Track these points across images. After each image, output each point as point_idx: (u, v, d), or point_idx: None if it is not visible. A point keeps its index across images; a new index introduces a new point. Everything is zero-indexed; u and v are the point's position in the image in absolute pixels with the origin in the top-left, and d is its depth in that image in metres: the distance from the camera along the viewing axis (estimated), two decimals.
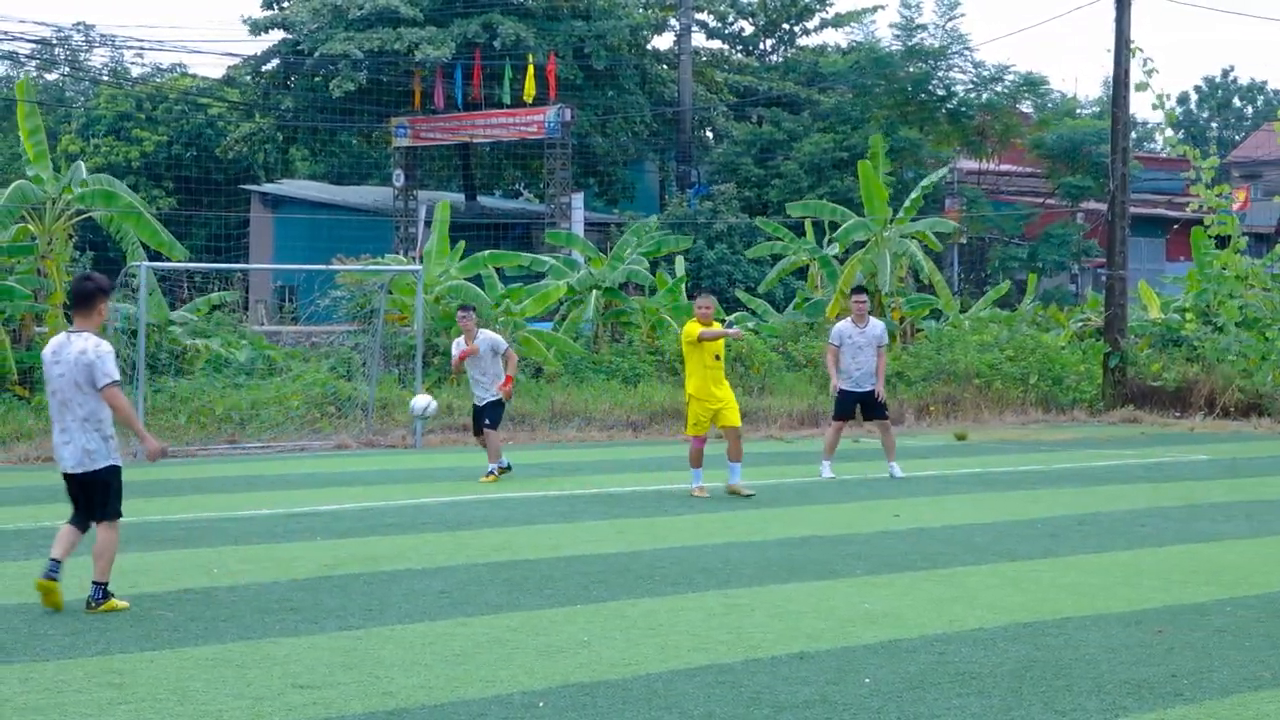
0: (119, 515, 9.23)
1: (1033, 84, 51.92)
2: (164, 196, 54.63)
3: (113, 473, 9.15)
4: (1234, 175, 66.15)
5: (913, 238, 32.14)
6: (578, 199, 45.44)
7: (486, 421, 16.69)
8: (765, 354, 28.26)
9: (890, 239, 31.55)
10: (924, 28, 50.33)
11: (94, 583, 9.07)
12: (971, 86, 51.11)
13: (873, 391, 16.97)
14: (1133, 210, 32.28)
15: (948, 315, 32.20)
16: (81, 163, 26.35)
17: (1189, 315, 29.15)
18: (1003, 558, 11.23)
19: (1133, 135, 69.29)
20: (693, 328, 14.87)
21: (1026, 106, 54.52)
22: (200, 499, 14.77)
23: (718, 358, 14.92)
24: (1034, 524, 13.11)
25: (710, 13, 56.40)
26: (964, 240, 49.91)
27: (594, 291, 30.24)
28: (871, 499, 14.93)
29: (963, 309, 35.43)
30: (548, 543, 11.89)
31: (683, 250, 35.02)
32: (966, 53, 50.80)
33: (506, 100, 45.35)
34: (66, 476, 9.21)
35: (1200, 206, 29.06)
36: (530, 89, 44.49)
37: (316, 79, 48.67)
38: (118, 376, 9.00)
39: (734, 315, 33.78)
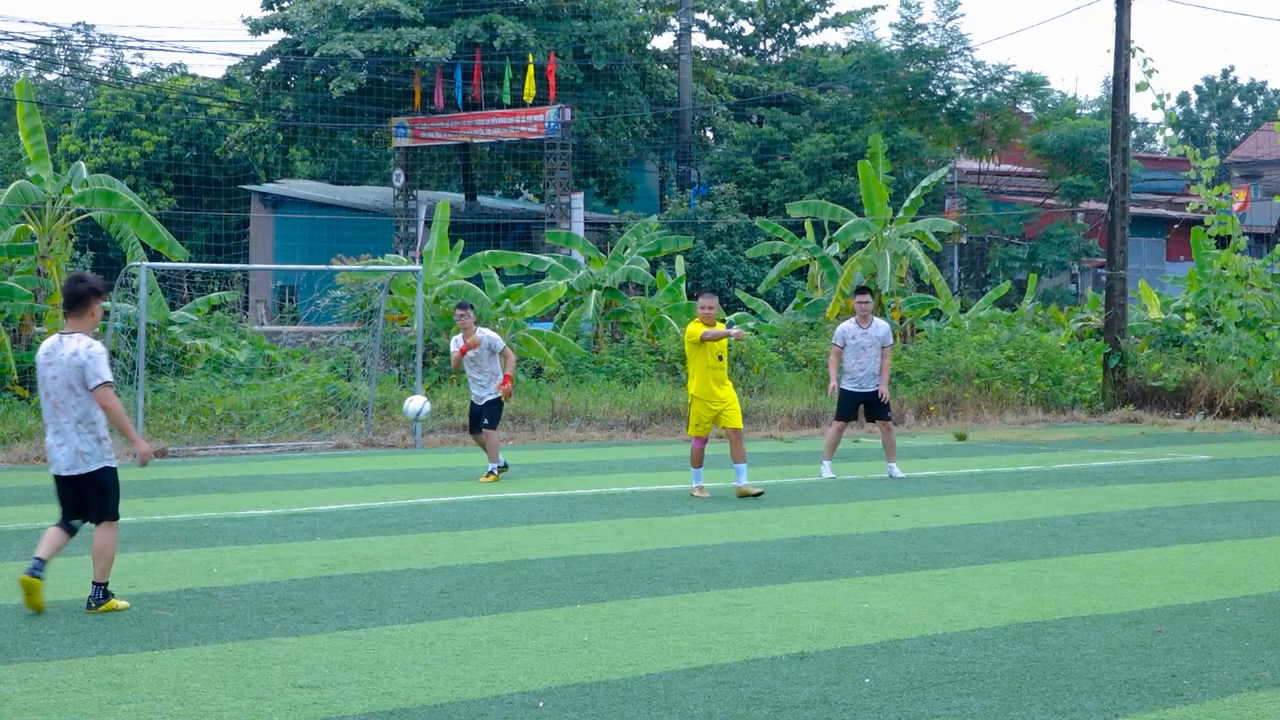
0: (117, 516, 9.22)
1: (1033, 84, 51.95)
2: (164, 196, 54.65)
3: (108, 474, 9.12)
4: (1234, 175, 66.19)
5: (913, 238, 32.15)
6: (578, 199, 45.44)
7: (485, 422, 16.69)
8: (765, 354, 28.25)
9: (890, 239, 31.56)
10: (924, 28, 50.38)
11: (94, 583, 9.07)
12: (971, 86, 51.13)
13: (875, 392, 16.95)
14: (1133, 210, 32.31)
15: (948, 315, 32.20)
16: (82, 163, 26.36)
17: (1189, 315, 29.15)
18: (1003, 558, 11.23)
19: (1133, 135, 69.35)
20: (695, 328, 14.83)
21: (1026, 106, 54.55)
22: (200, 499, 14.77)
23: (720, 358, 14.87)
24: (1034, 524, 13.11)
25: (710, 13, 56.40)
26: (964, 240, 49.93)
27: (594, 291, 30.25)
28: (871, 499, 14.93)
29: (963, 309, 35.45)
30: (548, 543, 11.89)
31: (683, 250, 35.03)
32: (966, 53, 50.88)
33: (506, 100, 45.36)
34: (59, 479, 9.15)
35: (1200, 206, 29.08)
36: (530, 89, 44.50)
37: (316, 79, 48.67)
38: (110, 378, 8.96)
39: (734, 315, 33.79)
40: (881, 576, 10.40)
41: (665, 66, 51.05)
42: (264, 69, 51.20)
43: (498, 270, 30.74)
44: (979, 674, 7.54)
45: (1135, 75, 27.19)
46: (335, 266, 27.18)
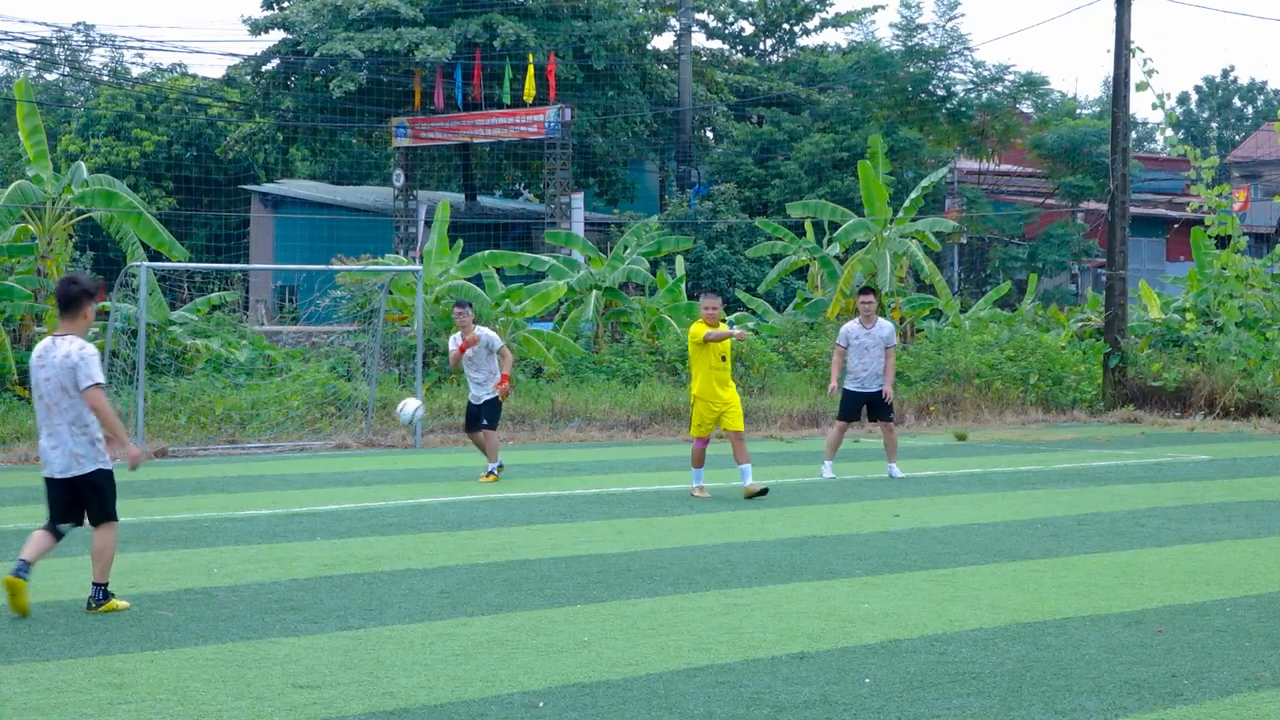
0: (115, 517, 9.19)
1: (1033, 84, 51.96)
2: (164, 196, 54.66)
3: (102, 476, 9.07)
4: (1234, 175, 66.19)
5: (913, 237, 32.16)
6: (578, 199, 45.45)
7: (484, 422, 16.69)
8: (765, 354, 28.25)
9: (890, 239, 31.57)
10: (924, 28, 50.38)
11: (94, 584, 9.06)
12: (971, 86, 51.13)
13: (878, 392, 16.93)
14: (1133, 210, 32.30)
15: (948, 315, 32.21)
16: (82, 163, 26.37)
17: (1189, 315, 29.15)
18: (1003, 558, 11.23)
19: (1133, 135, 69.35)
20: (698, 329, 14.79)
21: (1026, 106, 54.56)
22: (200, 499, 14.78)
23: (724, 359, 14.82)
24: (1034, 524, 13.11)
25: (710, 13, 56.41)
26: (964, 240, 49.93)
27: (594, 291, 30.25)
28: (871, 499, 14.92)
29: (963, 309, 35.45)
30: (548, 543, 11.89)
31: (683, 250, 35.03)
32: (966, 53, 50.88)
33: (506, 100, 45.36)
34: (53, 481, 9.08)
35: (1200, 206, 29.08)
36: (530, 89, 44.50)
37: (316, 79, 48.68)
38: (101, 379, 8.90)
39: (734, 315, 33.79)
40: (881, 576, 10.40)
41: (665, 66, 51.06)
42: (264, 69, 51.20)
43: (498, 270, 30.75)
44: (979, 674, 7.54)
45: (1135, 75, 27.22)
46: (335, 266, 27.19)
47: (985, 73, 51.06)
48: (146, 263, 21.67)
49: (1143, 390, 27.04)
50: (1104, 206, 30.06)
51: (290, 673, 7.54)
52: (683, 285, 32.56)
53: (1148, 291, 33.84)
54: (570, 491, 15.49)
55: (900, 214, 32.43)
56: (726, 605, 9.31)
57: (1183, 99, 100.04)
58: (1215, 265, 28.79)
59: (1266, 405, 25.92)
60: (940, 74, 50.70)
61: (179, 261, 25.90)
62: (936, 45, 50.34)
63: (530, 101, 44.75)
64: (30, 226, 24.51)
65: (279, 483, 16.31)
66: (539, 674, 7.54)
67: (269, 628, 8.61)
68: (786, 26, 57.80)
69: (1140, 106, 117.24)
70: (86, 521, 9.19)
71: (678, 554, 11.32)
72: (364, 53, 44.99)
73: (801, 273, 37.26)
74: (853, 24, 55.69)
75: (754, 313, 34.63)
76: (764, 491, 14.67)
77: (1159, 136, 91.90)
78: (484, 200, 53.90)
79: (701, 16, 55.61)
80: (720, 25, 57.73)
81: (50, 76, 64.57)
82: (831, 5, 56.70)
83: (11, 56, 57.86)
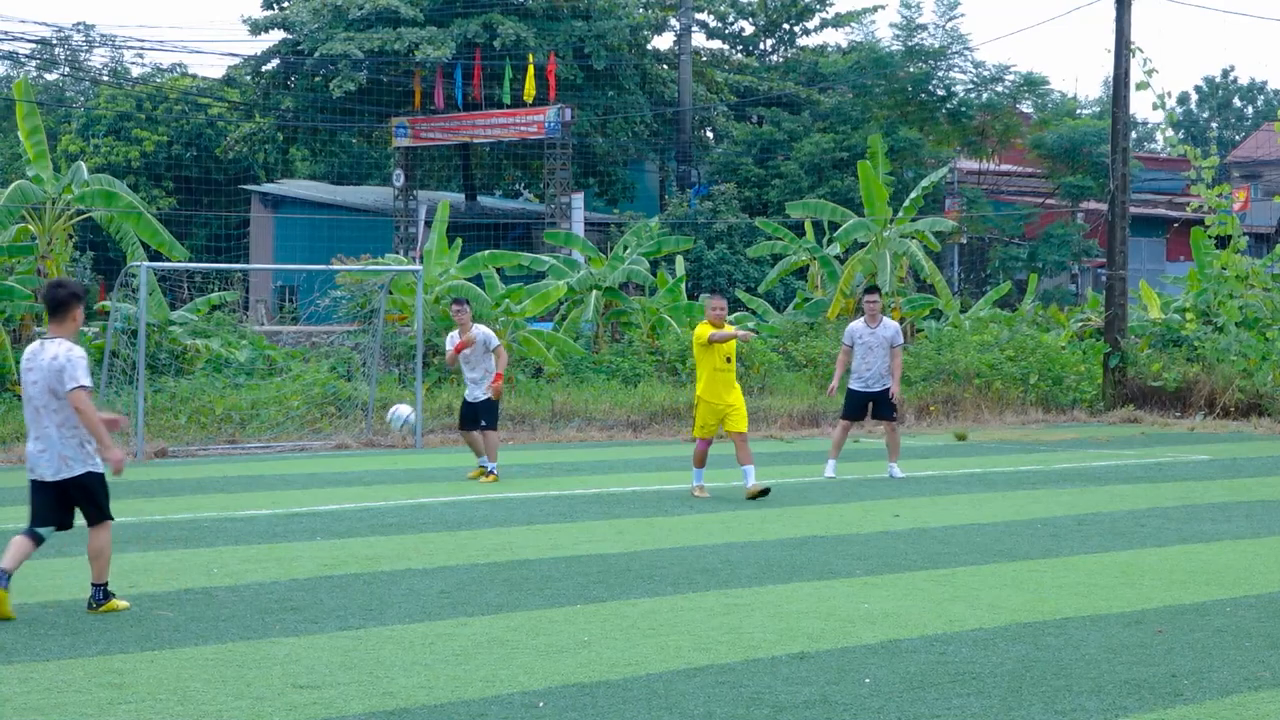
0: (110, 517, 9.16)
1: (1033, 84, 51.96)
2: (164, 196, 54.67)
3: (93, 478, 9.01)
4: (1234, 175, 66.20)
5: (913, 238, 32.17)
6: (578, 199, 45.45)
7: (484, 423, 16.68)
8: (765, 354, 28.25)
9: (890, 239, 31.58)
10: (924, 28, 50.38)
11: (93, 585, 9.06)
12: (971, 86, 51.14)
13: (881, 392, 16.92)
14: (1133, 210, 32.30)
15: (948, 315, 32.22)
16: (82, 163, 26.39)
17: (1189, 315, 29.15)
18: (1003, 558, 11.23)
19: (1133, 135, 69.35)
20: (703, 330, 14.75)
21: (1026, 106, 54.57)
22: (200, 499, 14.77)
23: (729, 360, 14.77)
24: (1034, 524, 13.11)
25: (710, 13, 56.41)
26: (964, 240, 49.93)
27: (594, 291, 30.25)
28: (871, 499, 14.92)
29: (963, 309, 35.46)
30: (548, 543, 11.89)
31: (683, 250, 35.04)
32: (966, 53, 50.88)
33: (506, 100, 45.36)
34: (40, 484, 9.00)
35: (1200, 206, 29.08)
36: (530, 89, 44.50)
37: (316, 79, 48.68)
38: (87, 382, 8.84)
39: (735, 315, 33.80)
40: (881, 576, 10.40)
41: (665, 66, 51.06)
42: (264, 69, 51.21)
43: (498, 270, 30.75)
44: (979, 674, 7.54)
45: (1135, 75, 27.21)
46: (335, 266, 27.18)
47: (985, 73, 51.08)
48: (146, 263, 21.67)
49: (1143, 390, 27.05)
50: (1104, 206, 30.06)
51: (290, 673, 7.54)
52: (683, 285, 32.56)
53: (1148, 291, 33.84)
54: (570, 491, 15.49)
55: (900, 214, 32.44)
56: (726, 605, 9.31)
57: (1183, 99, 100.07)
58: (1215, 265, 28.79)
59: (1266, 405, 25.92)
60: (940, 74, 50.71)
61: (179, 261, 25.90)
62: (936, 45, 50.35)
63: (530, 101, 44.75)
64: (30, 226, 24.52)
65: (279, 483, 16.31)
66: (539, 674, 7.54)
67: (269, 628, 8.61)
68: (786, 26, 57.81)
69: (1140, 106, 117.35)
70: (80, 523, 9.16)
71: (678, 554, 11.32)
72: (364, 53, 45.00)
73: (801, 273, 37.28)
74: (853, 24, 55.71)
75: (754, 313, 34.63)
76: (766, 491, 14.65)
77: (1159, 136, 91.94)
78: (484, 200, 53.91)
79: (701, 16, 55.62)
80: (720, 25, 57.74)
81: (50, 76, 64.60)
82: (831, 5, 56.75)
83: (11, 56, 57.89)
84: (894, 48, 50.10)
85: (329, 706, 6.93)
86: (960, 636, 8.41)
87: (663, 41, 61.24)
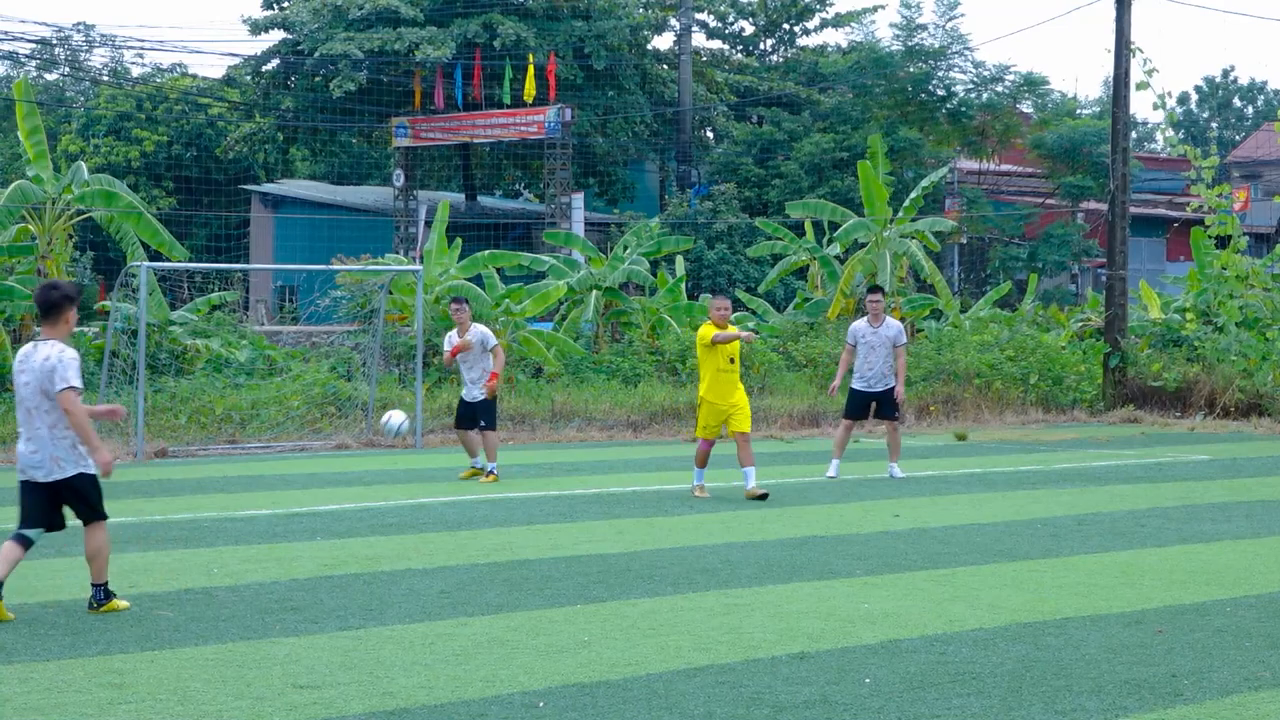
0: (105, 515, 9.14)
1: (1033, 84, 51.96)
2: (164, 196, 54.68)
3: (84, 480, 8.98)
4: (1234, 175, 66.20)
5: (913, 238, 32.17)
6: (578, 199, 45.46)
7: (482, 423, 16.68)
8: (765, 354, 28.25)
9: (890, 239, 31.58)
10: (924, 28, 50.39)
11: (94, 585, 9.05)
12: (972, 86, 51.14)
13: (884, 392, 16.90)
14: (1133, 210, 32.30)
15: (948, 315, 32.22)
16: (82, 163, 26.39)
17: (1189, 315, 29.15)
18: (1003, 558, 11.23)
19: (1133, 135, 69.35)
20: (707, 330, 14.71)
21: (1026, 106, 54.56)
22: (200, 499, 14.77)
23: (732, 361, 14.72)
24: (1034, 524, 13.11)
25: (710, 13, 56.42)
26: (964, 240, 49.94)
27: (594, 291, 30.25)
28: (871, 499, 14.92)
29: (963, 309, 35.47)
30: (548, 543, 11.89)
31: (683, 250, 35.04)
32: (966, 53, 50.89)
33: (506, 100, 45.37)
34: (31, 485, 8.98)
35: (1200, 206, 29.07)
36: (530, 89, 44.51)
37: (317, 79, 48.69)
38: (77, 383, 8.80)
39: (735, 315, 33.78)
40: (881, 576, 10.40)
41: (665, 66, 51.08)
42: (264, 69, 51.22)
43: (498, 270, 30.74)
44: (979, 674, 7.54)
45: (1135, 75, 27.21)
46: (335, 266, 27.17)
47: (985, 73, 51.08)
48: (146, 263, 21.67)
49: (1143, 390, 27.04)
50: (1104, 206, 30.06)
51: (290, 673, 7.54)
52: (683, 285, 32.56)
53: (1148, 291, 33.85)
54: (570, 491, 15.49)
55: (900, 214, 32.44)
56: (726, 605, 9.31)
57: (1183, 99, 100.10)
58: (1215, 265, 28.78)
59: (1266, 405, 25.92)
60: (940, 74, 50.72)
61: (179, 261, 25.90)
62: (936, 45, 50.35)
63: (530, 101, 44.76)
64: (30, 226, 24.52)
65: (279, 483, 16.31)
66: (539, 674, 7.54)
67: (269, 628, 8.61)
68: (786, 26, 57.81)
69: (1140, 106, 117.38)
70: (76, 523, 9.15)
71: (678, 554, 11.32)
72: (364, 53, 45.00)
73: (801, 273, 37.28)
74: (853, 24, 55.73)
75: (754, 313, 34.64)
76: (764, 496, 14.66)
77: (1159, 136, 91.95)
78: (484, 200, 53.92)
79: (701, 16, 55.63)
80: (720, 25, 57.75)
81: (50, 76, 64.61)
82: (831, 5, 56.77)
83: (11, 56, 57.89)
84: (894, 48, 50.10)
85: (329, 706, 6.94)
86: (960, 636, 8.41)
87: (663, 41, 61.30)
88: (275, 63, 50.38)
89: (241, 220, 55.52)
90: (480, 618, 8.91)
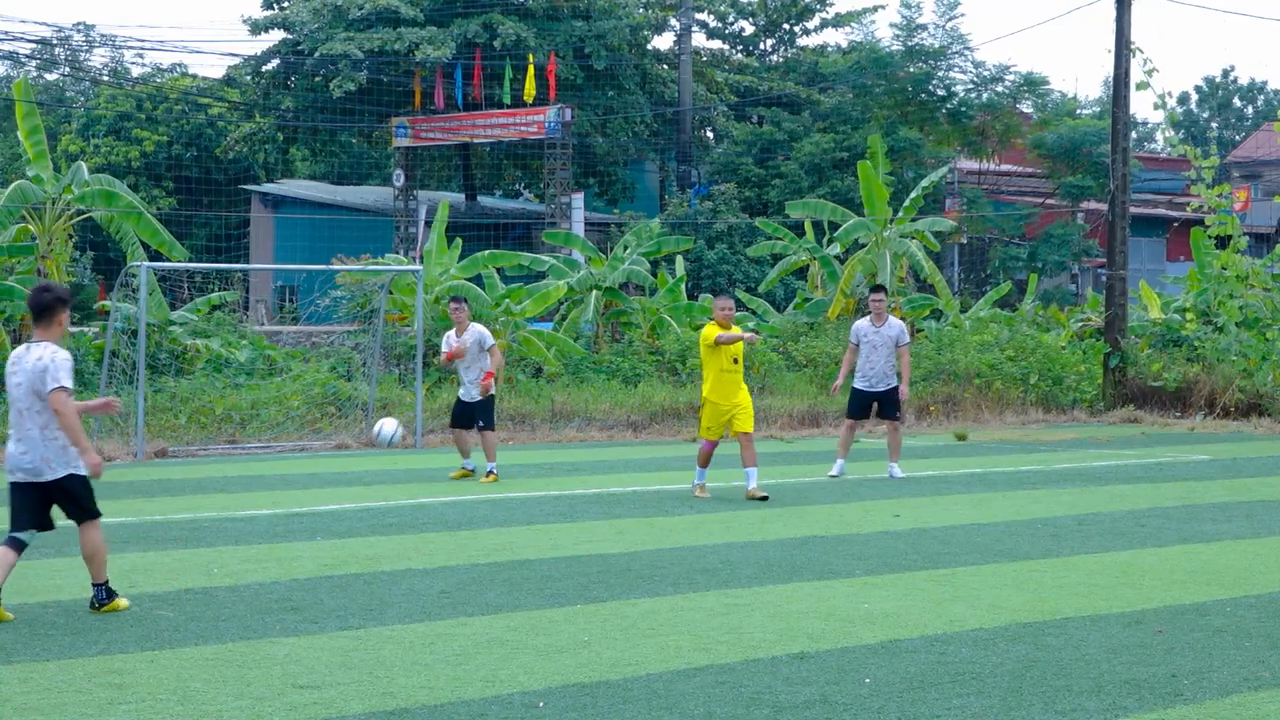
0: (98, 514, 9.14)
1: (1033, 84, 51.96)
2: (164, 196, 54.68)
3: (75, 480, 8.96)
4: (1234, 175, 66.20)
5: (912, 238, 32.17)
6: (578, 199, 45.46)
7: (480, 424, 16.69)
8: (765, 354, 28.25)
9: (890, 239, 31.58)
10: (924, 28, 50.40)
11: (94, 584, 9.05)
12: (972, 86, 51.15)
13: (886, 392, 16.89)
14: (1133, 210, 32.30)
15: (948, 315, 32.22)
16: (82, 163, 26.38)
17: (1189, 315, 29.15)
18: (1003, 558, 11.23)
19: (1133, 135, 69.35)
20: (710, 330, 14.69)
21: (1027, 106, 54.56)
22: (200, 499, 14.77)
23: (736, 361, 14.71)
24: (1034, 524, 13.11)
25: (710, 13, 56.42)
26: (964, 240, 49.94)
27: (594, 291, 30.25)
28: (871, 499, 14.92)
29: (963, 309, 35.47)
30: (548, 543, 11.89)
31: (683, 250, 35.04)
32: (967, 53, 50.89)
33: (506, 100, 45.37)
34: (21, 486, 8.96)
35: (1200, 206, 29.05)
36: (530, 89, 44.51)
37: (317, 79, 48.70)
38: (68, 384, 8.79)
39: (735, 315, 33.76)
40: (881, 576, 10.39)
41: (665, 66, 51.08)
42: (264, 69, 51.22)
43: (498, 270, 30.75)
44: (979, 674, 7.54)
45: (1135, 75, 27.20)
46: (335, 266, 27.18)
47: (985, 73, 51.08)
48: (146, 263, 21.67)
49: (1143, 390, 27.05)
50: (1104, 206, 30.06)
51: (290, 673, 7.54)
52: (683, 285, 32.56)
53: (1148, 291, 33.84)
54: (570, 491, 15.49)
55: (900, 214, 32.44)
56: (726, 605, 9.31)
57: (1183, 99, 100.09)
58: (1215, 265, 28.78)
59: (1266, 405, 25.92)
60: (940, 74, 50.72)
61: (179, 261, 25.90)
62: (936, 45, 50.36)
63: (530, 101, 44.76)
64: (30, 226, 24.51)
65: (279, 483, 16.31)
66: (539, 674, 7.54)
67: (269, 628, 8.61)
68: (786, 26, 57.82)
69: (1140, 106, 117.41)
70: (71, 524, 9.14)
71: (678, 554, 11.32)
72: (364, 53, 45.00)
73: (801, 273, 37.28)
74: (853, 24, 55.73)
75: (754, 313, 34.65)
76: (765, 498, 14.65)
77: (1159, 136, 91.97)
78: (484, 200, 53.92)
79: (701, 16, 55.63)
80: (720, 25, 57.76)
81: (50, 76, 64.60)
82: (831, 5, 56.79)
83: (11, 56, 57.89)
84: (894, 48, 50.11)
85: (329, 706, 6.94)
86: (960, 636, 8.41)
87: (663, 41, 61.34)
88: (275, 63, 50.38)
89: (241, 220, 55.53)
90: (480, 618, 8.91)
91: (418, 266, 25.51)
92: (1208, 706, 6.99)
